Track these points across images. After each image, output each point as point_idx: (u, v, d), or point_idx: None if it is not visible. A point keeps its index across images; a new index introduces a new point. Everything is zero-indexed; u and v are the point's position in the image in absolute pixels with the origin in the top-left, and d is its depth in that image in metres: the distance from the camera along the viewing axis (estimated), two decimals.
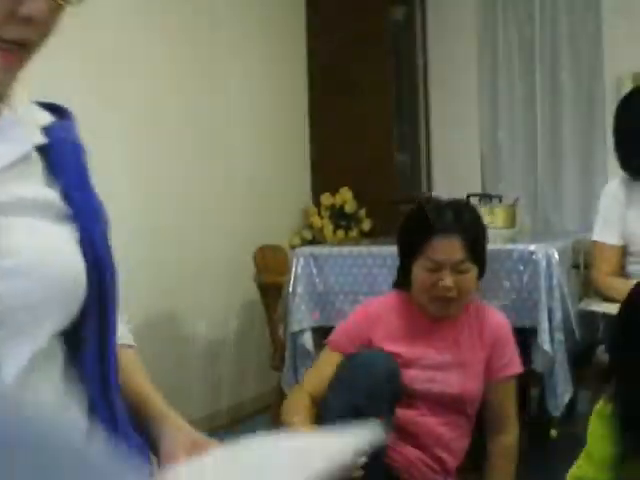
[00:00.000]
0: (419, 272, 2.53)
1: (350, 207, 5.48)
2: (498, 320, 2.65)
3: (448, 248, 2.48)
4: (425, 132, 6.32)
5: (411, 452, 2.54)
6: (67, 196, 1.23)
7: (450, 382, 2.54)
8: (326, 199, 5.55)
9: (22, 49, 1.14)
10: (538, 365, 3.26)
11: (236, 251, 4.80)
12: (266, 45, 5.35)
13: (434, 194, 6.25)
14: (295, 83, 5.71)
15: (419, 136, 6.22)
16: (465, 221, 2.54)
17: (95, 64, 3.90)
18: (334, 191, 5.55)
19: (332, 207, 5.51)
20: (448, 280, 2.48)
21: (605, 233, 3.21)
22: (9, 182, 1.18)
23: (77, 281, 1.19)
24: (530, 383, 4.53)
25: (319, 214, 5.53)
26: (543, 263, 3.25)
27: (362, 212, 5.50)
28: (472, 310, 2.61)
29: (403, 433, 2.52)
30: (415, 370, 2.53)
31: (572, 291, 3.40)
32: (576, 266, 3.61)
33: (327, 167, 5.75)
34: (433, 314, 2.57)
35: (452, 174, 6.26)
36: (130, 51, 4.16)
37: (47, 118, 1.27)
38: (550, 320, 3.22)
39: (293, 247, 4.91)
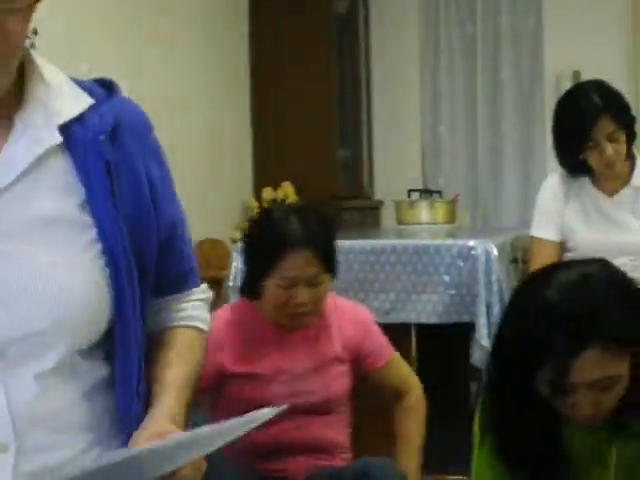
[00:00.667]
0: (271, 289, 2.35)
1: (292, 201, 5.46)
2: (356, 314, 2.53)
3: (301, 264, 2.32)
4: (367, 127, 6.33)
5: (290, 462, 2.42)
6: (88, 202, 1.20)
7: (313, 390, 2.41)
8: (268, 193, 5.53)
9: None
10: (476, 360, 3.28)
11: None
12: (208, 40, 5.31)
13: (376, 189, 6.28)
14: (238, 76, 5.68)
15: (361, 131, 6.23)
16: (316, 232, 2.36)
17: None
18: (276, 185, 5.54)
19: (274, 201, 5.49)
20: (302, 296, 2.32)
21: (543, 229, 3.23)
22: (19, 199, 1.17)
23: (85, 306, 1.18)
24: (469, 378, 4.59)
25: (260, 208, 5.50)
26: (482, 258, 3.28)
27: None
28: (328, 308, 2.47)
29: (275, 450, 2.39)
30: (275, 386, 2.39)
31: (511, 286, 3.42)
32: (515, 261, 3.65)
33: (269, 161, 5.73)
34: (286, 326, 2.43)
35: (393, 169, 6.28)
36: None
37: (81, 104, 1.22)
38: (488, 315, 3.25)
39: (234, 241, 4.89)
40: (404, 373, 2.56)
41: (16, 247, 1.15)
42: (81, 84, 1.26)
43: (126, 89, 4.03)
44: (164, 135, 4.86)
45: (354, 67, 6.14)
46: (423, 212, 4.41)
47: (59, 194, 1.19)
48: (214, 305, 4.31)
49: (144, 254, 1.25)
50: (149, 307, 1.32)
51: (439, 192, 4.92)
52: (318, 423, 2.41)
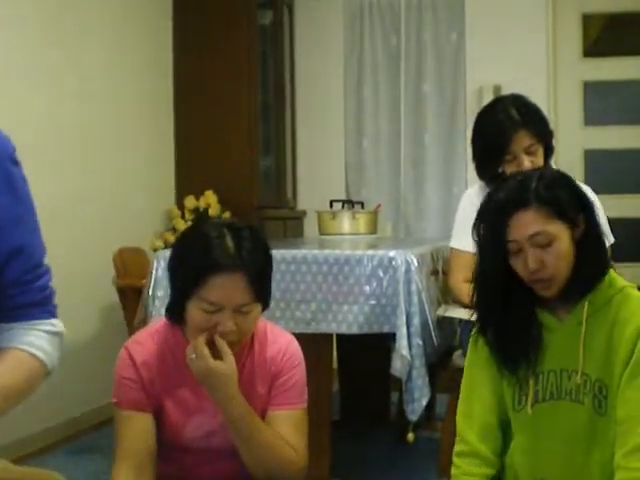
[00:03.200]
0: (193, 312, 2.12)
1: (214, 210, 5.44)
2: (280, 345, 2.28)
3: (229, 289, 2.07)
4: (291, 137, 6.34)
5: None
6: None
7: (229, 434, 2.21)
8: (190, 202, 5.50)
9: None
10: (397, 370, 3.29)
11: (95, 253, 4.69)
12: (132, 47, 5.27)
13: (299, 199, 6.29)
14: (161, 85, 5.64)
15: (285, 141, 6.24)
16: (251, 255, 2.10)
17: None
18: (198, 194, 5.51)
19: (196, 210, 5.46)
20: (228, 324, 2.09)
21: (462, 240, 3.27)
22: None
23: None
24: (390, 388, 4.62)
25: (182, 217, 5.47)
26: (402, 269, 3.29)
27: (226, 216, 5.46)
28: (256, 338, 2.26)
29: None
30: (193, 425, 2.23)
31: (431, 297, 3.45)
32: (435, 272, 3.68)
33: (192, 170, 5.70)
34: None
35: (317, 179, 6.31)
36: None
37: None
38: (408, 325, 3.26)
39: (155, 250, 4.84)
40: (298, 433, 2.24)
41: None
42: None
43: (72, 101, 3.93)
44: (84, 140, 4.80)
45: (278, 77, 6.15)
46: (345, 223, 4.43)
47: None
48: (133, 312, 4.25)
49: None
50: None
51: (361, 203, 4.94)
52: (234, 459, 2.22)
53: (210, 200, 5.47)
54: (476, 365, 2.10)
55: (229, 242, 2.09)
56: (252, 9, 5.76)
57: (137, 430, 2.19)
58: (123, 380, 2.22)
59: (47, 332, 1.50)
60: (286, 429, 2.21)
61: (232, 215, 5.35)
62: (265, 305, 2.20)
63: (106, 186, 4.94)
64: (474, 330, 2.12)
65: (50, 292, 1.52)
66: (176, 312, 2.18)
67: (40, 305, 1.50)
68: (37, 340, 1.48)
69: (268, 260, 2.19)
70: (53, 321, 1.52)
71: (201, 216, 5.29)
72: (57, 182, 4.44)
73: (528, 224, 1.92)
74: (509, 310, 2.01)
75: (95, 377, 4.59)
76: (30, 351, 1.46)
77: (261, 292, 2.13)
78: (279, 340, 2.29)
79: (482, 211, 2.03)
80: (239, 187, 5.59)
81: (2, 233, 1.38)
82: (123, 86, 5.17)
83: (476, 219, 2.04)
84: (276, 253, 3.41)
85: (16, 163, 1.45)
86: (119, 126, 5.12)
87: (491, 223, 1.99)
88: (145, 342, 2.25)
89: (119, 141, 5.11)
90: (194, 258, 2.11)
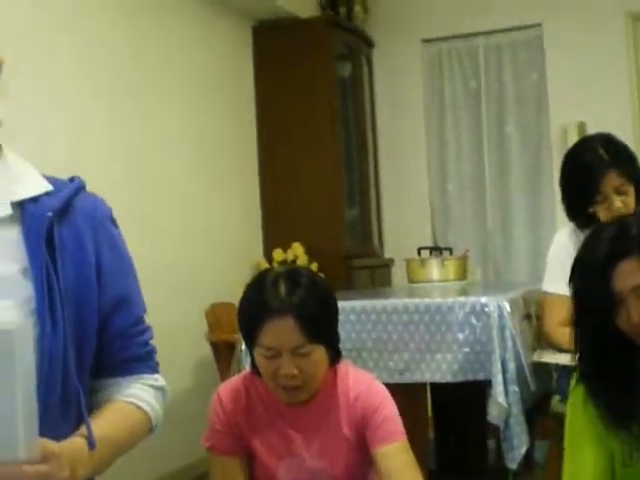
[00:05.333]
0: (258, 359, 2.20)
1: (302, 262, 5.47)
2: (363, 384, 2.30)
3: (282, 332, 2.12)
4: (375, 185, 6.36)
5: None
6: (30, 269, 1.34)
7: (318, 470, 2.24)
8: (278, 254, 5.54)
9: None
10: (494, 417, 3.24)
11: (188, 308, 4.75)
12: (217, 103, 5.37)
13: (385, 247, 6.28)
14: (245, 140, 5.72)
15: (369, 189, 6.26)
16: (302, 298, 2.15)
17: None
18: (286, 246, 5.55)
19: (284, 262, 5.50)
20: (288, 367, 2.14)
21: (555, 283, 3.22)
22: None
23: None
24: (486, 435, 4.55)
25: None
26: (495, 315, 3.25)
27: (314, 267, 5.49)
28: (338, 382, 2.28)
29: None
30: (284, 468, 2.26)
31: (525, 342, 3.40)
32: (528, 317, 3.62)
33: (278, 222, 5.76)
34: (284, 402, 2.26)
35: (402, 226, 6.30)
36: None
37: (38, 189, 1.40)
38: (504, 372, 3.21)
39: None
40: (407, 462, 2.24)
41: None
42: (49, 178, 1.45)
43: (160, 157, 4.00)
44: (172, 199, 4.89)
45: (359, 127, 6.18)
46: (434, 270, 4.41)
47: (5, 259, 1.35)
48: (226, 366, 4.29)
49: (84, 323, 1.39)
50: (94, 385, 1.46)
51: (449, 249, 4.91)
52: None
53: (297, 252, 5.51)
54: (579, 422, 2.00)
55: (281, 287, 2.15)
56: (331, 61, 5.82)
57: (229, 473, 2.25)
58: (214, 425, 2.29)
59: (151, 386, 1.53)
60: (399, 463, 2.21)
61: (319, 266, 5.37)
62: (330, 346, 2.22)
63: (196, 242, 5.02)
64: (573, 383, 2.03)
65: (152, 348, 1.57)
66: (252, 362, 2.26)
67: (143, 360, 1.54)
68: (142, 393, 1.50)
69: (325, 303, 2.22)
70: (156, 376, 1.56)
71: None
72: (150, 241, 4.53)
73: (632, 274, 1.82)
74: (614, 363, 1.92)
75: (191, 430, 4.61)
76: (135, 403, 1.49)
77: (316, 333, 2.15)
78: (361, 380, 2.31)
79: (580, 262, 1.96)
80: (326, 238, 5.61)
81: (106, 283, 1.43)
82: (209, 147, 5.27)
83: (573, 270, 1.96)
84: (366, 303, 3.42)
85: (115, 223, 1.53)
86: (206, 184, 5.20)
87: (590, 275, 1.89)
88: (235, 388, 2.32)
89: (207, 199, 5.19)
90: (250, 306, 2.20)
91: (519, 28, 6.15)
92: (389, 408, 2.27)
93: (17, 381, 1.08)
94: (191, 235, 4.98)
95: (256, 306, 2.17)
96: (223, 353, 4.41)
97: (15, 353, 1.07)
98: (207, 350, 4.64)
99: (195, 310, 4.67)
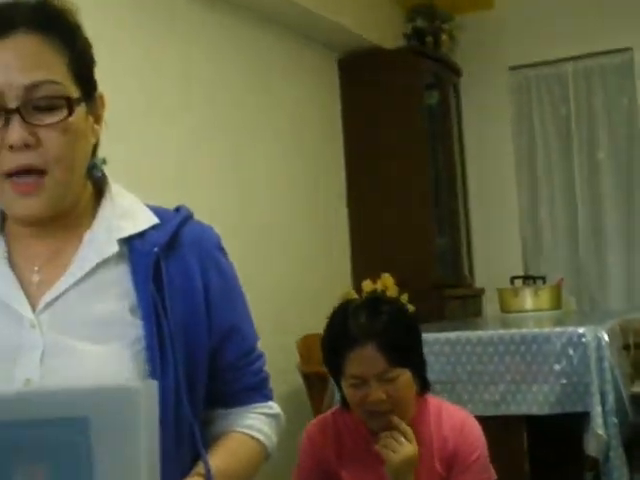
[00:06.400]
0: (346, 389, 2.22)
1: (392, 292, 5.44)
2: (456, 421, 2.27)
3: (366, 359, 2.15)
4: (464, 213, 6.31)
5: None
6: (139, 306, 1.35)
7: None
8: (367, 285, 5.52)
9: (32, 175, 1.29)
10: (592, 450, 3.18)
11: (279, 339, 4.77)
12: (305, 136, 5.41)
13: (476, 276, 6.22)
14: (334, 171, 5.75)
15: (458, 218, 6.21)
16: (382, 324, 2.18)
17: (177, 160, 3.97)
18: (375, 277, 5.53)
19: (374, 293, 5.48)
20: (375, 394, 2.15)
21: None
22: (79, 300, 1.34)
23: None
24: (583, 468, 4.44)
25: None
26: (593, 345, 3.19)
27: (404, 298, 5.45)
28: (431, 417, 2.27)
29: None
30: None
31: (624, 373, 3.33)
32: (626, 347, 3.55)
33: (367, 253, 5.75)
34: (375, 431, 2.24)
35: (492, 256, 6.23)
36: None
37: (145, 223, 1.40)
38: (603, 404, 3.15)
39: None
40: None
41: (72, 341, 1.30)
42: (156, 209, 1.45)
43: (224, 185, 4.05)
44: (261, 232, 4.92)
45: (448, 155, 6.15)
46: (528, 299, 4.35)
47: (113, 298, 1.35)
48: (318, 398, 4.27)
49: (195, 357, 1.38)
50: (206, 416, 1.44)
51: (542, 278, 4.84)
52: None
53: (387, 282, 5.48)
54: None
55: (362, 315, 2.19)
56: (419, 91, 5.81)
57: None
58: (302, 462, 2.32)
59: (265, 415, 1.51)
60: None
61: (410, 296, 5.33)
62: (416, 372, 2.21)
63: (286, 275, 5.04)
64: None
65: (265, 376, 1.55)
66: (341, 394, 2.28)
67: (257, 389, 1.52)
68: (256, 423, 1.49)
69: (406, 328, 2.24)
70: (270, 404, 1.54)
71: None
72: (241, 272, 4.56)
73: None
74: None
75: (281, 462, 4.62)
76: (250, 434, 1.47)
77: (400, 358, 2.17)
78: (455, 417, 2.29)
79: None
80: (416, 268, 5.58)
81: (216, 314, 1.42)
82: (297, 179, 5.30)
83: None
84: (460, 335, 3.39)
85: (223, 252, 1.52)
86: (295, 216, 5.23)
87: None
88: (323, 423, 2.34)
89: (296, 232, 5.22)
90: (333, 337, 2.25)
91: (608, 52, 6.06)
92: (482, 450, 2.25)
93: (141, 439, 1.08)
94: (281, 268, 5.00)
95: (339, 337, 2.21)
96: (315, 385, 4.41)
97: (140, 411, 1.07)
98: (299, 382, 4.64)
99: (286, 342, 4.68)
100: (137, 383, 1.15)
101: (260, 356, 1.55)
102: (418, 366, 2.26)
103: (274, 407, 1.55)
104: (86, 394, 1.09)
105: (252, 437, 1.48)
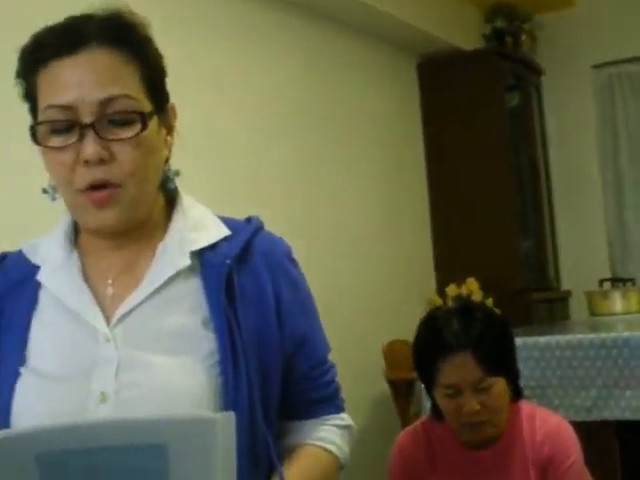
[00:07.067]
0: (439, 399, 2.17)
1: (477, 297, 5.38)
2: (551, 427, 2.21)
3: (460, 369, 2.10)
4: (549, 216, 6.21)
5: None
6: (211, 319, 1.35)
7: None
8: (452, 290, 5.47)
9: (107, 189, 1.30)
10: None
11: (364, 346, 4.75)
12: (385, 140, 5.39)
13: (562, 279, 6.12)
14: (415, 176, 5.71)
15: (543, 221, 6.12)
16: (476, 332, 2.13)
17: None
18: (459, 282, 5.48)
19: (458, 298, 5.43)
20: (470, 404, 2.10)
21: None
22: (152, 314, 1.35)
23: (186, 408, 1.28)
24: None
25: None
26: None
27: (489, 302, 5.39)
28: (525, 422, 2.21)
29: None
30: None
31: None
32: None
33: (451, 257, 5.69)
34: (470, 442, 2.21)
35: (578, 258, 6.13)
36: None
37: (216, 235, 1.40)
38: None
39: None
40: None
41: (146, 355, 1.31)
42: (226, 220, 1.45)
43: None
44: (345, 238, 4.91)
45: (531, 158, 6.07)
46: (617, 302, 4.26)
47: (186, 311, 1.35)
48: (404, 405, 4.24)
49: (268, 368, 1.37)
50: (278, 429, 1.43)
51: (632, 280, 4.73)
52: None
53: (472, 287, 5.42)
54: None
55: (455, 324, 2.14)
56: (500, 93, 5.75)
57: None
58: (394, 476, 2.28)
59: (338, 426, 1.50)
60: None
61: (495, 300, 5.27)
62: (510, 379, 2.17)
63: (370, 280, 5.03)
64: None
65: (337, 387, 1.54)
66: (433, 404, 2.23)
67: (329, 400, 1.51)
68: (329, 435, 1.48)
69: (501, 335, 2.19)
70: (342, 415, 1.53)
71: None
72: (325, 281, 4.57)
73: None
74: None
75: (369, 470, 4.60)
76: (324, 446, 1.46)
77: (496, 366, 2.13)
78: (549, 422, 2.24)
79: None
80: (500, 272, 5.51)
81: (287, 325, 1.41)
82: (379, 184, 5.28)
83: None
84: (550, 339, 3.33)
85: (294, 263, 1.50)
86: (379, 222, 5.22)
87: None
88: (414, 434, 2.30)
89: (379, 237, 5.20)
90: (426, 346, 2.19)
91: None
92: (577, 455, 2.19)
93: (218, 469, 1.08)
94: (365, 274, 4.99)
95: (431, 346, 2.16)
96: (401, 391, 4.38)
97: (217, 442, 1.08)
98: (385, 388, 4.62)
99: (372, 348, 4.66)
100: (214, 415, 1.15)
101: (332, 367, 1.55)
102: (512, 373, 2.21)
103: (346, 418, 1.53)
104: (165, 423, 1.11)
105: (325, 449, 1.46)
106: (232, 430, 1.10)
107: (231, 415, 1.11)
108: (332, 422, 1.50)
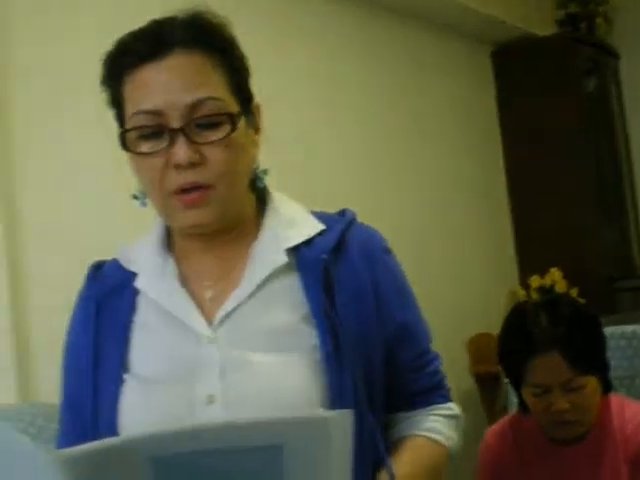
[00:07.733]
0: (527, 398, 2.13)
1: (561, 288, 5.30)
2: None
3: (549, 368, 2.05)
4: (632, 203, 6.09)
5: None
6: (311, 315, 1.34)
7: None
8: (535, 281, 5.39)
9: (198, 190, 1.30)
10: None
11: (450, 340, 4.72)
12: (460, 130, 5.35)
13: None
14: (493, 165, 5.65)
15: (626, 208, 5.99)
16: (565, 330, 2.06)
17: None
18: (543, 272, 5.40)
19: (542, 289, 5.35)
20: (560, 403, 2.05)
21: None
22: (252, 313, 1.35)
23: (291, 406, 1.28)
24: None
25: (528, 297, 5.37)
26: None
27: (574, 292, 5.31)
28: (614, 416, 2.16)
29: None
30: None
31: None
32: None
33: (533, 248, 5.62)
34: (558, 439, 2.16)
35: None
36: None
37: (310, 230, 1.40)
38: None
39: None
40: None
41: (249, 355, 1.31)
42: (319, 215, 1.45)
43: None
44: (431, 229, 4.87)
45: (611, 144, 5.95)
46: None
47: (286, 308, 1.35)
48: (490, 399, 4.20)
49: (371, 361, 1.36)
50: (387, 421, 1.42)
51: None
52: None
53: (556, 277, 5.34)
54: None
55: (544, 320, 2.08)
56: (577, 78, 5.64)
57: None
58: (482, 475, 2.25)
59: (445, 416, 1.48)
60: None
61: (580, 290, 5.19)
62: (601, 376, 2.12)
63: (453, 273, 5.00)
64: None
65: (442, 376, 1.53)
66: (519, 399, 2.19)
67: (435, 390, 1.50)
68: (437, 425, 1.46)
69: (591, 332, 2.13)
70: (449, 404, 1.51)
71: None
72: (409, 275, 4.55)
73: None
74: None
75: (453, 465, 4.58)
76: (432, 437, 1.45)
77: (586, 365, 2.07)
78: (634, 411, 2.18)
79: None
80: (584, 261, 5.41)
81: (387, 316, 1.40)
82: (457, 175, 5.24)
83: None
84: (637, 328, 3.25)
85: (391, 253, 1.49)
86: (459, 213, 5.18)
87: None
88: (501, 430, 2.27)
89: (460, 229, 5.17)
90: (513, 344, 2.13)
91: None
92: None
93: (333, 468, 1.07)
94: (448, 266, 4.96)
95: (519, 344, 2.10)
96: (487, 385, 4.34)
97: (331, 441, 1.06)
98: (470, 382, 4.59)
99: (457, 342, 4.63)
100: (330, 413, 1.13)
101: (436, 357, 1.52)
102: (603, 369, 2.16)
103: (454, 408, 1.51)
104: (281, 423, 1.09)
105: (434, 440, 1.45)
106: (348, 429, 1.08)
107: (347, 413, 1.08)
108: (439, 412, 1.48)
